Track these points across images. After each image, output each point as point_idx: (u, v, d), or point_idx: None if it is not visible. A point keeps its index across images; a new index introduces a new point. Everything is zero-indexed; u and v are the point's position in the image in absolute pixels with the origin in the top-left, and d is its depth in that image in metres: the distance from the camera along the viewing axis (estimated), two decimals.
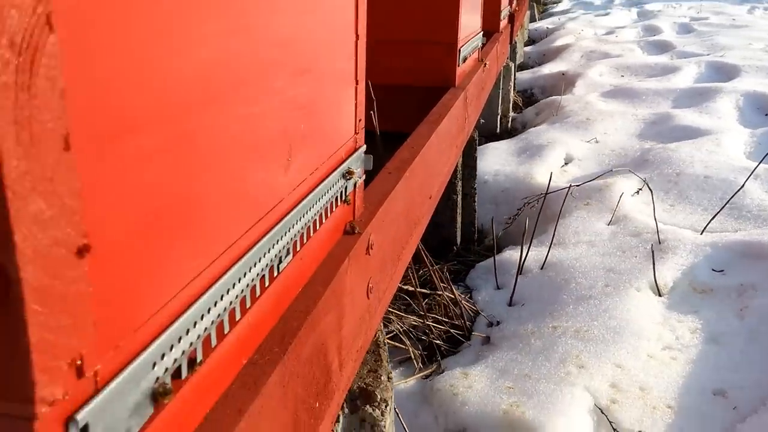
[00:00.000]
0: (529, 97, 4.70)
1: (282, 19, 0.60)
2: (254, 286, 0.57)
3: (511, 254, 2.08)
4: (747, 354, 1.47)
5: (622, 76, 4.45)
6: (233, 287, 0.53)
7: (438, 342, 1.69)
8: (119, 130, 0.37)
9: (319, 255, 0.78)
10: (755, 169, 2.16)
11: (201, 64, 0.46)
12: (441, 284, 1.85)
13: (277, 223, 0.61)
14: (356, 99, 0.87)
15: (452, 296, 1.76)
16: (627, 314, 1.62)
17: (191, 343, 0.46)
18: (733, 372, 1.43)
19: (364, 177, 0.92)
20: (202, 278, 0.48)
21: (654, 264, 1.75)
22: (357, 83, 0.86)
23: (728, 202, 2.06)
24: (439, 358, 1.64)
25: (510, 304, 1.85)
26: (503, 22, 3.56)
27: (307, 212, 0.69)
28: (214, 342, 0.50)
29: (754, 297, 1.65)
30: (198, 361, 0.48)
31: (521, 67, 5.46)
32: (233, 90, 0.51)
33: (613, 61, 4.82)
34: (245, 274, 0.55)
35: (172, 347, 0.44)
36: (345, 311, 0.81)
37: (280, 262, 0.63)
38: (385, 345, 0.97)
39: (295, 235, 0.66)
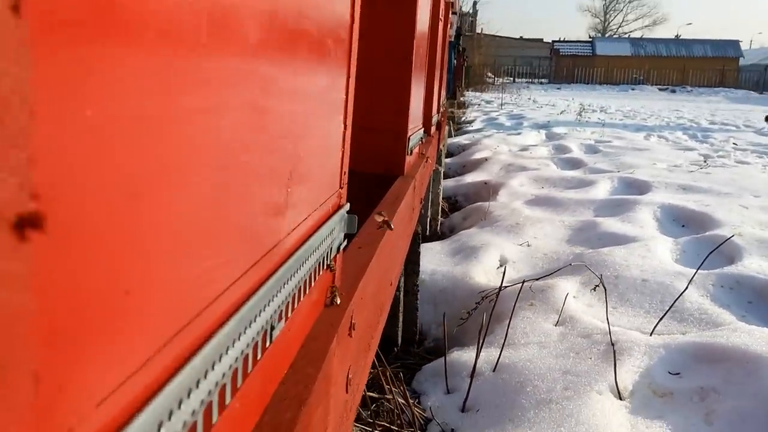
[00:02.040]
0: (453, 204, 4.77)
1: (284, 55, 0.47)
2: (247, 356, 0.40)
3: (459, 355, 1.93)
4: None
5: (542, 187, 4.62)
6: (227, 352, 0.35)
7: None
8: None
9: (303, 328, 0.60)
10: (695, 274, 2.18)
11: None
12: (387, 386, 1.65)
13: (278, 268, 0.45)
14: (343, 147, 0.74)
15: (404, 401, 1.57)
16: (593, 419, 1.50)
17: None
18: None
19: (345, 242, 0.77)
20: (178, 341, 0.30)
21: (615, 367, 1.65)
22: (345, 128, 0.73)
23: (673, 304, 2.04)
24: None
25: (463, 410, 1.67)
26: (433, 128, 3.63)
27: (303, 263, 0.53)
28: None
29: (717, 401, 1.58)
30: None
31: (444, 176, 5.59)
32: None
33: (532, 173, 5.02)
34: (240, 336, 0.38)
35: None
36: (330, 406, 0.63)
37: (273, 328, 0.46)
38: None
39: (290, 292, 0.50)
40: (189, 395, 0.30)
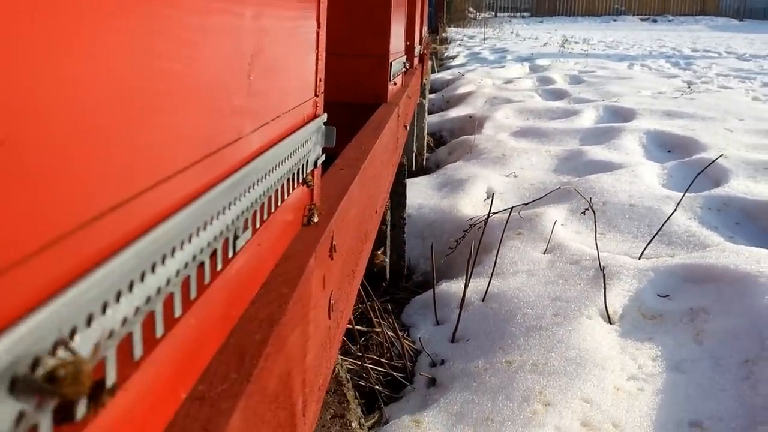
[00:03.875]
0: (438, 139, 4.68)
1: None
2: (202, 263, 0.34)
3: (448, 287, 1.90)
4: (715, 381, 1.36)
5: (527, 118, 4.54)
6: (172, 254, 0.29)
7: (378, 388, 1.46)
8: None
9: (278, 247, 0.55)
10: (682, 197, 2.15)
11: None
12: (376, 320, 1.62)
13: (238, 169, 0.38)
14: (317, 49, 0.66)
15: (393, 334, 1.54)
16: (584, 344, 1.48)
17: (96, 345, 0.22)
18: (705, 401, 1.31)
19: (324, 157, 0.71)
20: (116, 218, 0.24)
21: (605, 291, 1.63)
22: (319, 27, 0.66)
23: (662, 227, 2.01)
24: (382, 406, 1.40)
25: (452, 341, 1.65)
26: (416, 59, 3.50)
27: (273, 170, 0.46)
28: (138, 352, 0.26)
29: (707, 321, 1.57)
30: (109, 386, 0.24)
31: (428, 112, 5.46)
32: None
33: (516, 105, 4.93)
34: (190, 238, 0.31)
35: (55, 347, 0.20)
36: (309, 330, 0.58)
37: (237, 237, 0.40)
38: (348, 382, 0.73)
39: (257, 199, 0.43)
40: (118, 298, 0.24)
